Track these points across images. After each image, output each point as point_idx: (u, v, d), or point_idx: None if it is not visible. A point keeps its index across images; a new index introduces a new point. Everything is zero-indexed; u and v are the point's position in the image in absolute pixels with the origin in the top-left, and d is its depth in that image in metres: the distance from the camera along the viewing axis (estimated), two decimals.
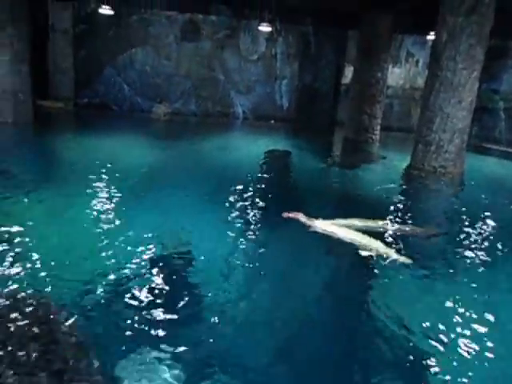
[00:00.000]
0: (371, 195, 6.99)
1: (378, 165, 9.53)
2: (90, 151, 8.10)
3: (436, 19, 7.89)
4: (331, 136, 13.08)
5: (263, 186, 6.78)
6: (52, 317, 2.79)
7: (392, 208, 6.14)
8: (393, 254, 4.30)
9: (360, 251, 4.34)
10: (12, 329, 2.64)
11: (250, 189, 6.35)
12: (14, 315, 2.75)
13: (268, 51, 13.87)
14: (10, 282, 3.22)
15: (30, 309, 2.84)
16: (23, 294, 3.02)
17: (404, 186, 7.93)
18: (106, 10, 10.95)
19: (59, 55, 12.81)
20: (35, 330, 2.64)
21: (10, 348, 2.48)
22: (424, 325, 3.24)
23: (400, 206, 6.37)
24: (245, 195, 6.00)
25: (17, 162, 6.81)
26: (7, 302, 2.90)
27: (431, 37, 10.78)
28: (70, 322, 2.79)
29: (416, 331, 3.16)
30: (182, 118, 13.13)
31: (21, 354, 2.44)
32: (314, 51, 13.08)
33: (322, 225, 4.88)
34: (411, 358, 2.87)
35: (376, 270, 4.16)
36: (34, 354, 2.44)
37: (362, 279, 4.09)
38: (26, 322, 2.70)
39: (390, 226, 5.09)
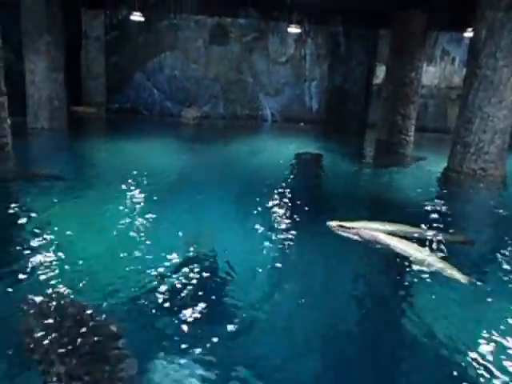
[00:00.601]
0: (406, 199, 6.74)
1: (413, 167, 9.22)
2: (123, 156, 8.24)
3: (473, 15, 7.56)
4: (363, 138, 12.80)
5: (294, 189, 6.62)
6: (89, 317, 2.86)
7: (427, 212, 5.85)
8: (456, 274, 3.81)
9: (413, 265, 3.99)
10: (54, 329, 2.72)
11: (281, 192, 6.24)
12: (53, 316, 2.83)
13: (297, 53, 13.72)
14: (48, 284, 3.32)
15: (68, 310, 2.92)
16: (62, 296, 3.11)
17: (441, 190, 7.62)
18: (136, 17, 11.10)
19: (92, 62, 13.09)
20: (75, 329, 2.73)
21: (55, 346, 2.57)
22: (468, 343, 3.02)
23: (436, 210, 6.06)
24: (275, 199, 5.90)
25: (56, 167, 6.98)
26: (47, 305, 2.97)
27: (468, 34, 10.38)
28: (106, 321, 2.86)
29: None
30: (211, 121, 13.16)
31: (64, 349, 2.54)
32: (343, 51, 12.83)
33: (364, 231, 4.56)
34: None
35: (413, 277, 3.98)
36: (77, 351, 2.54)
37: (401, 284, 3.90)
38: (67, 323, 2.78)
39: (423, 232, 4.82)
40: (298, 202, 5.82)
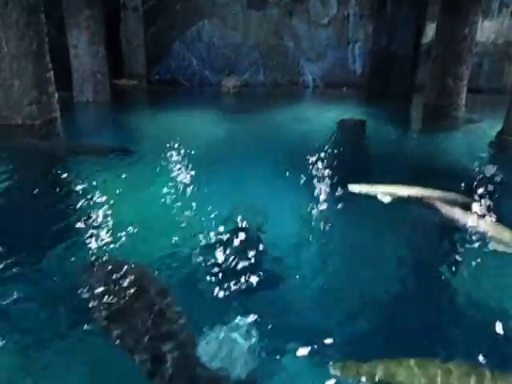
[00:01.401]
0: (454, 164, 6.46)
1: (464, 131, 8.72)
2: (170, 127, 8.29)
3: None
4: (410, 102, 12.19)
5: (338, 156, 6.50)
6: (147, 279, 3.07)
7: (476, 178, 5.54)
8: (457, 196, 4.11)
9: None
10: (116, 291, 2.92)
11: (325, 160, 6.12)
12: (114, 279, 3.02)
13: (340, 14, 13.04)
14: (104, 249, 3.57)
15: (128, 273, 3.09)
16: (119, 260, 3.31)
17: (493, 154, 7.18)
18: None
19: (131, 33, 13.09)
20: (135, 290, 2.91)
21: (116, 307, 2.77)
22: None
23: (485, 176, 5.71)
24: (320, 167, 5.81)
25: (111, 140, 7.32)
26: (106, 268, 3.18)
27: None
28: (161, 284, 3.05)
29: None
30: (251, 89, 12.92)
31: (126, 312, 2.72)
32: (389, 10, 12.08)
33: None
34: None
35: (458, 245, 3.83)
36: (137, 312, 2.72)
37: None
38: (126, 284, 2.97)
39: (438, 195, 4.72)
40: (343, 170, 5.70)
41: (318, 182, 5.23)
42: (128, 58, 13.22)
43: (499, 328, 2.79)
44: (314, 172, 5.59)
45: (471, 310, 3.07)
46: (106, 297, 2.85)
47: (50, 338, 2.71)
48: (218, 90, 12.58)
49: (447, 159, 6.83)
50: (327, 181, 5.29)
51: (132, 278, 3.01)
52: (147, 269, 3.24)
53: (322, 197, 4.80)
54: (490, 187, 5.17)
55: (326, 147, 6.92)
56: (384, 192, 4.76)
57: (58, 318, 2.86)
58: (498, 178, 5.57)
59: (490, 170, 5.91)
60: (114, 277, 3.02)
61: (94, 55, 10.24)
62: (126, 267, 3.13)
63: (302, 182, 5.19)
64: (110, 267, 3.16)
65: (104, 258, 3.39)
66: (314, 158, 6.13)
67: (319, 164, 5.93)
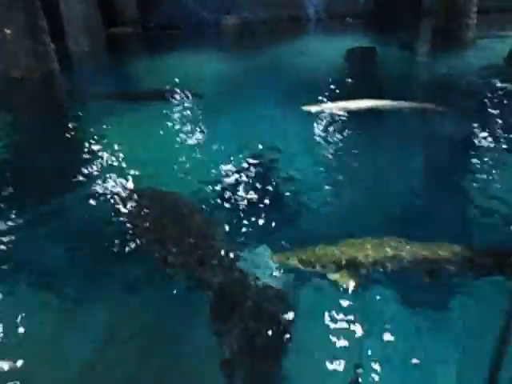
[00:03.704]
0: (465, 82, 6.38)
1: (476, 51, 8.41)
2: (171, 71, 8.02)
3: None
4: (419, 27, 11.64)
5: (349, 83, 6.39)
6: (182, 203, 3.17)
7: (486, 93, 5.55)
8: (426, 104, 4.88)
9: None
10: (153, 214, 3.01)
11: (337, 89, 6.00)
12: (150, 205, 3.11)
13: None
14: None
15: (162, 199, 3.20)
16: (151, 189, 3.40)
17: (504, 71, 6.96)
18: None
19: None
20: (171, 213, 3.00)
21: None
22: None
23: (493, 90, 5.70)
24: (330, 95, 5.73)
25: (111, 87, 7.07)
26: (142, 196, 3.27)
27: None
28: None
29: None
30: (252, 27, 12.36)
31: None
32: None
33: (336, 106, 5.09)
34: None
35: None
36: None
37: None
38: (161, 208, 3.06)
39: (395, 104, 5.19)
40: (355, 95, 5.54)
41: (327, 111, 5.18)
42: (120, 5, 12.60)
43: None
44: (322, 100, 5.51)
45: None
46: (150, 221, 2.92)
47: (103, 260, 2.80)
48: (218, 31, 12.07)
49: (455, 78, 6.69)
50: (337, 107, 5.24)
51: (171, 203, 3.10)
52: (181, 196, 3.32)
53: (331, 122, 4.88)
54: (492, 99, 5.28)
55: (337, 76, 6.74)
56: (337, 107, 5.14)
57: (106, 246, 2.88)
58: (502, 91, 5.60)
59: (497, 84, 5.90)
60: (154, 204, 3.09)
61: (85, 2, 9.78)
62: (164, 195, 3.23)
63: (310, 111, 5.16)
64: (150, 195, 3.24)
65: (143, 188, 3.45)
66: (324, 88, 6.01)
67: (328, 93, 5.82)
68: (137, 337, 2.25)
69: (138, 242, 2.80)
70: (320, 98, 5.60)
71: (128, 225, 2.97)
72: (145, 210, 3.03)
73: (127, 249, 2.78)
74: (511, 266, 2.37)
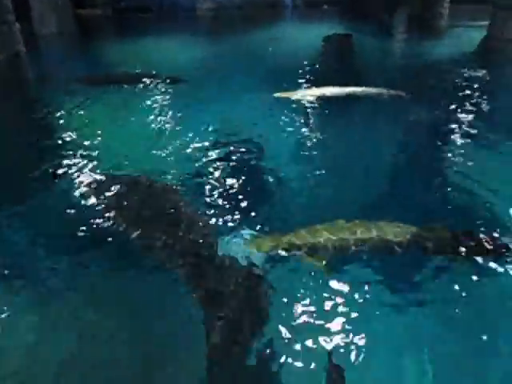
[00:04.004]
0: (438, 68, 6.45)
1: (449, 39, 8.57)
2: (144, 54, 7.80)
3: None
4: (394, 15, 11.74)
5: (324, 70, 6.38)
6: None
7: (458, 79, 5.74)
8: (383, 91, 5.13)
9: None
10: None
11: (311, 76, 5.97)
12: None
13: None
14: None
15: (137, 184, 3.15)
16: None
17: (476, 58, 7.15)
18: None
19: None
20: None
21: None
22: None
23: (465, 76, 5.89)
24: (306, 82, 5.72)
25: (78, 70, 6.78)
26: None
27: None
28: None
29: None
30: (228, 12, 12.15)
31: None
32: None
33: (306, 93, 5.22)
34: None
35: None
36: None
37: None
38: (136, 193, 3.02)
39: (363, 90, 5.33)
40: (331, 80, 5.56)
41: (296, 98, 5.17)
42: None
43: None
44: (298, 84, 5.53)
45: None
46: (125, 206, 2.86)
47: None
48: (193, 15, 11.79)
49: (428, 65, 6.77)
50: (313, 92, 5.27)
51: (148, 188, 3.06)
52: (157, 180, 3.25)
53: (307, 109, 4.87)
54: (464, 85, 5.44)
55: (312, 63, 6.70)
56: (307, 94, 5.22)
57: (79, 233, 2.77)
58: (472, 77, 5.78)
59: (466, 70, 6.06)
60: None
61: None
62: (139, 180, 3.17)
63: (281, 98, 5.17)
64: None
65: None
66: (300, 74, 5.98)
67: (304, 79, 5.80)
68: (115, 324, 2.18)
69: (114, 227, 2.70)
70: (295, 84, 5.57)
71: (102, 211, 2.86)
72: (119, 195, 2.95)
73: (101, 235, 2.68)
74: (471, 248, 2.48)
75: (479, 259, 2.44)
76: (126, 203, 2.87)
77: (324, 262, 2.39)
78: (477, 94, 5.14)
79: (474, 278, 2.33)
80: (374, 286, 2.30)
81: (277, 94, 5.23)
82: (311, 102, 5.04)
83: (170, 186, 3.20)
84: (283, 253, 2.48)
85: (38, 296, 2.40)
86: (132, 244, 2.59)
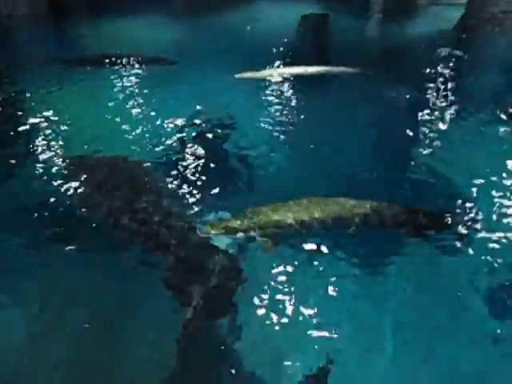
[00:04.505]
0: (413, 47, 6.57)
1: (427, 17, 8.66)
2: (117, 37, 7.62)
3: None
4: None
5: (300, 49, 6.44)
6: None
7: (432, 57, 5.81)
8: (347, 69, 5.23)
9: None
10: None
11: (287, 55, 6.01)
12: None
13: None
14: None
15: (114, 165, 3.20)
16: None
17: (452, 36, 7.25)
18: None
19: None
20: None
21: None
22: None
23: (439, 55, 5.99)
24: (282, 59, 5.78)
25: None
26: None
27: None
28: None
29: None
30: None
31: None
32: None
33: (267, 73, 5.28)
34: None
35: None
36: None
37: None
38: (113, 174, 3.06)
39: (324, 69, 5.40)
40: (309, 60, 5.63)
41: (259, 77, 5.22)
42: None
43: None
44: (277, 63, 5.56)
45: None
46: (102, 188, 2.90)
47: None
48: None
49: (405, 43, 6.89)
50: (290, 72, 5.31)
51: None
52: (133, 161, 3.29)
53: (280, 86, 4.96)
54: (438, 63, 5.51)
55: (289, 42, 6.71)
56: (271, 74, 5.29)
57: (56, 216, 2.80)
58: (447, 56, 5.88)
59: (444, 49, 6.12)
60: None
61: None
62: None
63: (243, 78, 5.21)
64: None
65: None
66: (275, 54, 6.01)
67: (280, 56, 5.84)
68: (93, 304, 2.25)
69: (91, 209, 2.73)
70: (267, 63, 5.60)
71: (78, 192, 2.88)
72: (95, 176, 2.97)
73: (78, 217, 2.72)
74: (437, 225, 2.63)
75: (432, 233, 2.58)
76: (101, 185, 2.90)
77: (267, 239, 2.49)
78: (449, 72, 5.25)
79: (426, 251, 2.48)
80: (325, 261, 2.41)
81: (238, 75, 5.25)
82: (279, 82, 5.08)
83: (144, 167, 3.23)
84: (241, 234, 2.54)
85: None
86: (102, 223, 2.64)
